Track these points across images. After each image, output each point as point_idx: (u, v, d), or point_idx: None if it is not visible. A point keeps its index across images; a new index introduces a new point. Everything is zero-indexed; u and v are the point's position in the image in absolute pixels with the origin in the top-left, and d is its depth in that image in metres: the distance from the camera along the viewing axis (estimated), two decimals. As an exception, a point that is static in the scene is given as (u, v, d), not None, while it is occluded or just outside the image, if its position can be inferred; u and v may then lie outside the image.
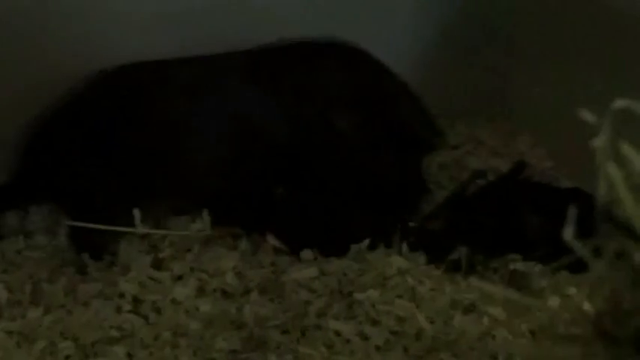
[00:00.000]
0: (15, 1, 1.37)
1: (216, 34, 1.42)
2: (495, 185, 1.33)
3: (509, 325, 1.05)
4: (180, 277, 1.19)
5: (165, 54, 1.36)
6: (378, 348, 1.05)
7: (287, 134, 1.31)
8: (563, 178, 1.40)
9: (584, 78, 1.31)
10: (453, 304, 1.11)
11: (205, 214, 1.28)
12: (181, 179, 1.30)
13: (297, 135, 1.31)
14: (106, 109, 1.31)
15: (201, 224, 1.29)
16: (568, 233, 0.58)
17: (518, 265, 1.17)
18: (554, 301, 1.05)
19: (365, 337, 1.07)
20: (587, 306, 0.64)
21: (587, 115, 0.59)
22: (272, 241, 1.25)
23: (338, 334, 1.07)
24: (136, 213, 1.23)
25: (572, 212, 0.57)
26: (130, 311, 1.13)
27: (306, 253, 1.24)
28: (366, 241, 1.22)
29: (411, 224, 1.25)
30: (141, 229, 1.23)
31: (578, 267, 0.63)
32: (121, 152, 1.28)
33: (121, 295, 1.16)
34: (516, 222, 1.21)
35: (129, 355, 1.07)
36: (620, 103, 0.59)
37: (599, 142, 0.59)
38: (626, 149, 0.59)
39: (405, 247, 1.21)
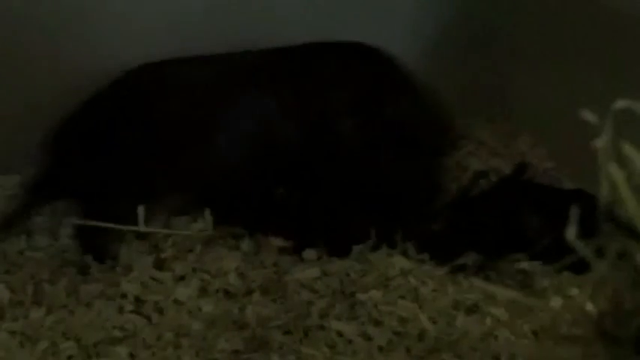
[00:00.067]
0: (14, 2, 1.37)
1: (217, 35, 1.42)
2: (498, 186, 1.33)
3: (511, 325, 1.05)
4: (182, 278, 1.20)
5: (165, 54, 1.36)
6: (380, 348, 1.05)
7: (290, 135, 1.32)
8: (564, 179, 1.40)
9: (585, 78, 1.31)
10: (455, 304, 1.11)
11: (207, 213, 1.29)
12: (194, 175, 1.31)
13: (299, 136, 1.32)
14: (124, 108, 1.32)
15: (203, 224, 1.29)
16: (571, 233, 0.58)
17: (523, 265, 1.17)
18: (556, 302, 1.05)
19: (367, 338, 1.07)
20: (589, 306, 0.64)
21: (589, 116, 0.59)
22: (276, 241, 1.26)
23: (340, 334, 1.07)
24: (140, 211, 1.23)
25: (574, 213, 0.58)
26: (132, 311, 1.14)
27: (309, 253, 1.24)
28: (369, 242, 1.22)
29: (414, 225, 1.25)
30: (144, 228, 1.24)
31: (581, 267, 0.63)
32: (138, 149, 1.29)
33: (123, 296, 1.16)
34: (519, 223, 1.21)
35: (131, 355, 1.07)
36: (621, 104, 0.59)
37: (600, 142, 0.59)
38: (628, 149, 0.59)
39: (409, 248, 1.22)
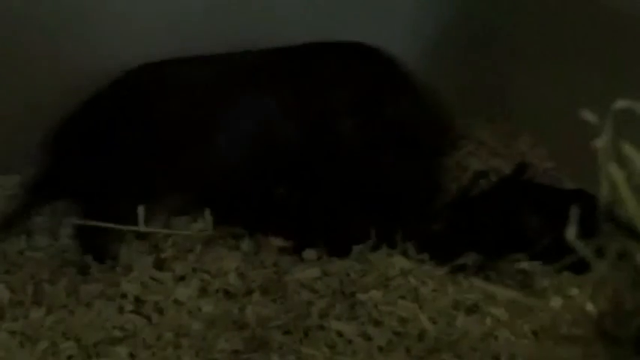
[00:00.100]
0: (14, 2, 1.37)
1: (217, 35, 1.42)
2: (498, 186, 1.33)
3: (511, 325, 1.05)
4: (182, 278, 1.19)
5: (165, 54, 1.36)
6: (380, 348, 1.05)
7: (290, 135, 1.32)
8: (564, 178, 1.40)
9: (585, 78, 1.31)
10: (455, 304, 1.11)
11: (207, 213, 1.29)
12: (194, 175, 1.31)
13: (299, 136, 1.32)
14: (124, 108, 1.32)
15: (203, 224, 1.29)
16: (571, 233, 0.58)
17: (523, 265, 1.17)
18: (556, 302, 1.05)
19: (367, 338, 1.07)
20: (589, 306, 0.64)
21: (589, 116, 0.59)
22: (276, 241, 1.26)
23: (340, 334, 1.07)
24: (140, 211, 1.23)
25: (574, 213, 0.57)
26: (132, 311, 1.14)
27: (309, 253, 1.24)
28: (369, 242, 1.22)
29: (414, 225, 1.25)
30: (144, 228, 1.24)
31: (581, 267, 0.63)
32: (138, 149, 1.29)
33: (123, 296, 1.16)
34: (519, 223, 1.21)
35: (131, 355, 1.07)
36: (621, 104, 0.59)
37: (600, 142, 0.59)
38: (628, 149, 0.59)
39: (409, 248, 1.22)
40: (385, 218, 1.25)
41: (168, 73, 1.35)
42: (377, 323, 1.09)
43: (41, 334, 1.10)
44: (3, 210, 1.35)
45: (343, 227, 1.26)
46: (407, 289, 1.14)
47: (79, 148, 1.32)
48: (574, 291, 1.07)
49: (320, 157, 1.32)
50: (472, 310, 1.10)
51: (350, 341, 1.07)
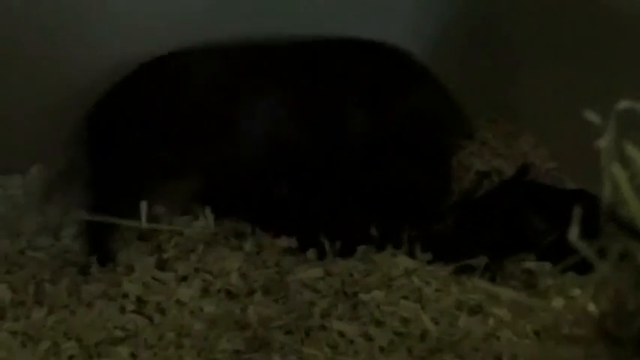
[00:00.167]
0: (14, 2, 1.37)
1: (217, 35, 1.42)
2: (501, 187, 1.34)
3: (514, 325, 1.05)
4: (184, 278, 1.19)
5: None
6: (382, 349, 1.05)
7: (299, 132, 1.33)
8: (566, 179, 1.40)
9: (586, 78, 1.31)
10: (458, 304, 1.11)
11: (208, 212, 1.29)
12: (208, 161, 1.32)
13: (309, 133, 1.33)
14: (149, 96, 1.34)
15: (204, 222, 1.29)
16: (573, 234, 0.58)
17: (528, 265, 1.17)
18: (558, 302, 1.05)
19: (369, 338, 1.07)
20: (591, 307, 0.64)
21: (591, 116, 0.59)
22: (280, 241, 1.26)
23: (342, 334, 1.07)
24: (143, 206, 1.23)
25: (577, 213, 0.58)
26: (133, 312, 1.14)
27: (312, 253, 1.24)
28: (374, 242, 1.22)
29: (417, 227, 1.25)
30: (146, 224, 1.24)
31: (585, 267, 0.63)
32: (160, 132, 1.31)
33: (125, 296, 1.16)
34: (522, 223, 1.21)
35: (133, 355, 1.07)
36: (624, 104, 0.59)
37: (603, 142, 0.59)
38: (631, 150, 0.59)
39: (414, 248, 1.21)
40: (391, 218, 1.25)
41: (188, 63, 1.36)
42: (379, 323, 1.09)
43: (43, 334, 1.10)
44: (3, 211, 1.36)
45: (347, 227, 1.26)
46: (410, 289, 1.14)
47: (104, 134, 1.34)
48: (576, 291, 1.07)
49: (328, 154, 1.33)
50: (475, 310, 1.10)
51: (352, 341, 1.07)
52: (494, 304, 1.09)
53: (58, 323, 1.12)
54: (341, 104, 1.35)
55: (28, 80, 1.41)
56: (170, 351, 1.07)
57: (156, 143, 1.31)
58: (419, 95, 1.39)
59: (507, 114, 1.58)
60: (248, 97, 1.34)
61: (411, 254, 1.21)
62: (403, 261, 1.18)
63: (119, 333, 1.10)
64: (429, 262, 1.19)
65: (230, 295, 1.17)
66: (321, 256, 1.23)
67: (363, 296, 1.12)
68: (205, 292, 1.17)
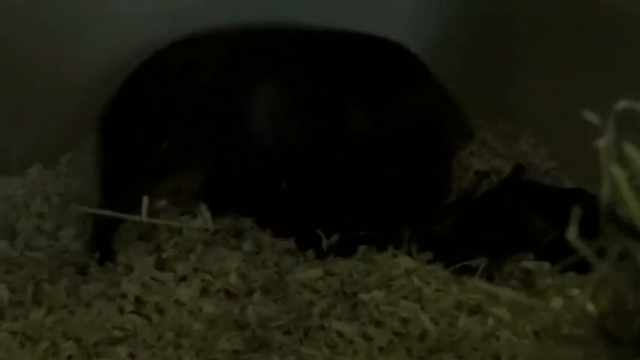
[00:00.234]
0: (14, 2, 1.37)
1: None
2: (499, 187, 1.34)
3: (513, 325, 1.05)
4: (183, 278, 1.19)
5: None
6: (381, 349, 1.05)
7: (300, 129, 1.33)
8: (565, 179, 1.40)
9: (585, 78, 1.31)
10: (458, 305, 1.10)
11: (204, 208, 1.29)
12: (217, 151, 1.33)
13: (309, 130, 1.33)
14: (152, 92, 1.35)
15: (202, 221, 1.29)
16: (572, 234, 0.58)
17: (527, 265, 1.17)
18: (557, 302, 1.05)
19: (368, 338, 1.07)
20: (590, 307, 0.64)
21: (591, 116, 0.59)
22: (281, 243, 1.26)
23: (341, 334, 1.07)
24: (145, 201, 1.23)
25: (575, 213, 0.57)
26: (132, 312, 1.13)
27: (312, 253, 1.24)
28: (375, 242, 1.22)
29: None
30: (147, 219, 1.24)
31: (584, 267, 0.63)
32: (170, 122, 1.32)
33: (124, 296, 1.16)
34: (521, 223, 1.21)
35: (131, 355, 1.07)
36: (623, 104, 0.59)
37: (603, 142, 0.58)
38: (630, 150, 0.59)
39: (414, 248, 1.21)
40: (391, 218, 1.25)
41: (187, 63, 1.37)
42: (378, 323, 1.09)
43: (41, 335, 1.10)
44: (2, 212, 1.36)
45: (347, 226, 1.26)
46: (410, 289, 1.13)
47: (110, 131, 1.36)
48: (575, 291, 1.07)
49: (328, 153, 1.33)
50: (475, 310, 1.10)
51: (350, 341, 1.06)
52: (493, 304, 1.09)
53: (56, 323, 1.12)
54: (341, 103, 1.35)
55: (27, 80, 1.41)
56: (169, 351, 1.07)
57: (158, 139, 1.31)
58: (420, 95, 1.39)
59: (507, 114, 1.58)
60: (250, 93, 1.34)
61: (411, 254, 1.21)
62: (403, 261, 1.18)
63: (118, 333, 1.10)
64: (428, 262, 1.19)
65: (229, 295, 1.17)
66: (321, 255, 1.23)
67: (362, 296, 1.12)
68: (204, 292, 1.17)
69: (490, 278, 1.17)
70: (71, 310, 1.14)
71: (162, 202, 1.32)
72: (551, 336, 0.83)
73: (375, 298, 1.11)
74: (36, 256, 1.28)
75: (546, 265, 1.17)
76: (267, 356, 1.05)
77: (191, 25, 1.42)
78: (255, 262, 1.22)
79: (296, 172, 1.32)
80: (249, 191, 1.32)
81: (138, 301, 1.15)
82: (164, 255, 1.23)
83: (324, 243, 1.24)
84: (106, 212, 1.25)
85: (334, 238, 1.25)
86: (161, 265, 1.22)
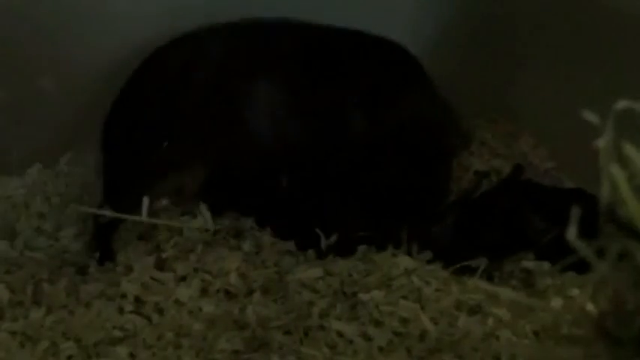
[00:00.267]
0: (14, 2, 1.37)
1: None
2: (499, 187, 1.34)
3: (513, 325, 1.05)
4: (183, 278, 1.19)
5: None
6: (381, 349, 1.05)
7: (299, 127, 1.33)
8: (565, 179, 1.41)
9: (585, 78, 1.32)
10: (458, 304, 1.10)
11: (204, 208, 1.29)
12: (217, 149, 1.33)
13: (309, 129, 1.33)
14: (152, 91, 1.35)
15: (202, 221, 1.29)
16: (571, 234, 0.58)
17: (527, 264, 1.17)
18: (557, 302, 1.05)
19: (368, 338, 1.07)
20: (590, 307, 0.64)
21: (590, 116, 0.59)
22: (282, 244, 1.26)
23: (341, 334, 1.07)
24: (145, 201, 1.23)
25: (575, 213, 0.57)
26: (132, 312, 1.13)
27: (311, 253, 1.24)
28: (375, 242, 1.22)
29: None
30: (147, 219, 1.24)
31: (584, 267, 0.63)
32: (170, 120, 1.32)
33: (123, 296, 1.16)
34: (521, 223, 1.21)
35: (131, 355, 1.07)
36: (622, 104, 0.59)
37: (602, 142, 0.58)
38: (629, 150, 0.59)
39: (413, 248, 1.21)
40: (391, 218, 1.25)
41: (187, 63, 1.37)
42: (378, 323, 1.09)
43: (41, 335, 1.10)
44: (2, 212, 1.36)
45: (347, 226, 1.26)
46: (409, 289, 1.13)
47: (112, 132, 1.36)
48: (575, 291, 1.07)
49: (328, 153, 1.33)
50: (474, 310, 1.10)
51: (350, 341, 1.06)
52: (493, 304, 1.09)
53: (56, 323, 1.12)
54: (341, 103, 1.35)
55: (27, 80, 1.41)
56: (169, 351, 1.07)
57: (158, 139, 1.31)
58: (419, 95, 1.39)
59: (507, 114, 1.58)
60: (249, 92, 1.34)
61: (411, 254, 1.21)
62: (403, 261, 1.18)
63: (118, 333, 1.10)
64: (428, 262, 1.19)
65: (229, 295, 1.17)
66: (321, 255, 1.23)
67: (362, 296, 1.12)
68: (204, 292, 1.17)
69: (490, 278, 1.17)
70: (71, 310, 1.14)
71: (163, 202, 1.32)
72: (551, 336, 0.83)
73: (374, 298, 1.11)
74: (36, 256, 1.28)
75: (546, 265, 1.17)
76: (266, 356, 1.05)
77: (191, 25, 1.42)
78: (255, 262, 1.22)
79: (296, 172, 1.32)
80: (249, 191, 1.32)
81: (138, 301, 1.15)
82: (164, 255, 1.23)
83: (323, 243, 1.24)
84: (106, 212, 1.25)
85: (333, 238, 1.25)
86: (161, 265, 1.21)
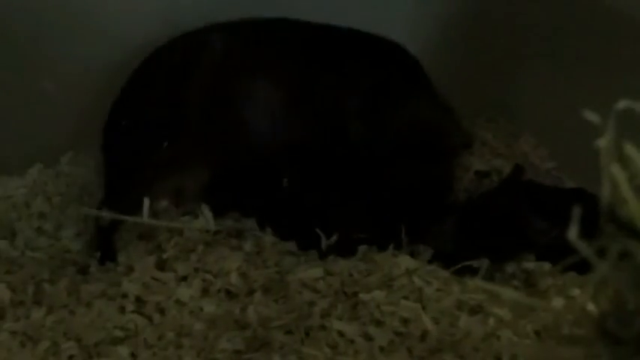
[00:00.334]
0: (14, 2, 1.37)
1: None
2: (500, 188, 1.34)
3: (514, 325, 1.05)
4: (184, 278, 1.19)
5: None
6: (382, 349, 1.05)
7: (301, 128, 1.33)
8: (565, 179, 1.41)
9: (585, 78, 1.32)
10: (459, 304, 1.10)
11: (206, 209, 1.29)
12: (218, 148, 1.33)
13: (310, 129, 1.33)
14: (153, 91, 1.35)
15: (204, 222, 1.29)
16: (572, 234, 0.58)
17: (528, 265, 1.17)
18: (558, 302, 1.05)
19: (369, 338, 1.07)
20: (590, 307, 0.64)
21: (591, 116, 0.59)
22: (283, 244, 1.26)
23: (342, 334, 1.07)
24: (146, 203, 1.23)
25: (576, 212, 0.57)
26: (133, 311, 1.13)
27: (313, 253, 1.24)
28: (375, 242, 1.22)
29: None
30: (148, 220, 1.24)
31: (585, 267, 0.63)
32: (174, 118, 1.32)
33: (124, 296, 1.16)
34: (522, 223, 1.21)
35: (132, 355, 1.07)
36: (623, 104, 0.59)
37: (603, 142, 0.58)
38: (630, 149, 0.59)
39: (415, 248, 1.21)
40: (392, 218, 1.25)
41: (187, 62, 1.37)
42: (379, 323, 1.09)
43: (42, 334, 1.10)
44: (2, 212, 1.36)
45: (348, 226, 1.26)
46: (410, 289, 1.13)
47: (113, 132, 1.36)
48: (576, 291, 1.07)
49: (330, 153, 1.33)
50: (475, 310, 1.10)
51: (352, 341, 1.06)
52: (494, 304, 1.09)
53: (57, 323, 1.12)
54: (342, 103, 1.35)
55: (28, 80, 1.41)
56: (170, 351, 1.07)
57: (159, 139, 1.31)
58: (420, 95, 1.39)
59: (507, 114, 1.58)
60: (249, 92, 1.34)
61: (412, 254, 1.21)
62: (404, 261, 1.18)
63: (119, 333, 1.10)
64: (429, 262, 1.19)
65: (230, 295, 1.17)
66: (322, 255, 1.23)
67: (363, 296, 1.12)
68: (205, 292, 1.17)
69: (491, 278, 1.17)
70: (72, 310, 1.14)
71: (164, 204, 1.32)
72: (552, 336, 0.83)
73: (375, 298, 1.11)
74: (36, 256, 1.28)
75: (547, 266, 1.17)
76: (268, 356, 1.05)
77: (191, 25, 1.42)
78: (255, 262, 1.22)
79: (296, 172, 1.32)
80: (249, 191, 1.32)
81: (139, 300, 1.15)
82: (165, 255, 1.23)
83: (324, 243, 1.25)
84: (107, 214, 1.25)
85: (334, 238, 1.25)
86: (162, 265, 1.22)
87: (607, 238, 0.59)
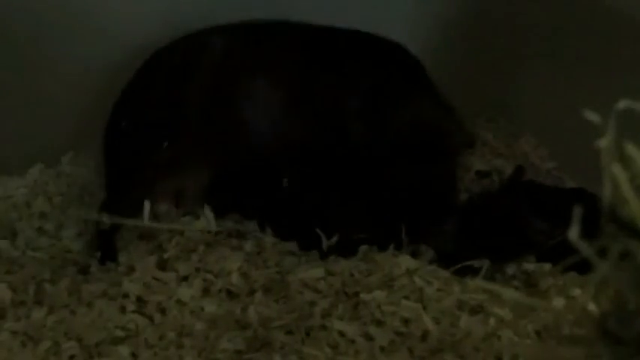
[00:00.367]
0: (14, 2, 1.37)
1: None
2: (501, 189, 1.34)
3: (514, 325, 1.05)
4: (185, 278, 1.19)
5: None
6: (382, 349, 1.05)
7: (302, 129, 1.33)
8: (566, 179, 1.41)
9: (586, 78, 1.32)
10: (460, 304, 1.11)
11: (207, 210, 1.29)
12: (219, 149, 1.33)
13: (310, 130, 1.33)
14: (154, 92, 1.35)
15: (205, 223, 1.29)
16: (573, 234, 0.58)
17: (529, 266, 1.17)
18: (559, 302, 1.05)
19: (370, 338, 1.07)
20: (591, 307, 0.64)
21: (591, 116, 0.59)
22: (284, 245, 1.26)
23: (343, 334, 1.07)
24: (146, 205, 1.23)
25: (577, 212, 0.57)
26: (134, 311, 1.13)
27: (313, 253, 1.24)
28: (376, 242, 1.22)
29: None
30: (149, 223, 1.24)
31: (585, 267, 0.63)
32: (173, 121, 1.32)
33: (125, 296, 1.16)
34: (523, 224, 1.21)
35: (133, 355, 1.07)
36: (623, 104, 0.59)
37: (604, 142, 0.59)
38: (631, 149, 0.59)
39: (415, 249, 1.22)
40: (393, 218, 1.25)
41: (187, 63, 1.37)
42: (379, 323, 1.09)
43: (43, 334, 1.10)
44: (3, 212, 1.36)
45: (349, 227, 1.26)
46: (411, 289, 1.13)
47: (113, 135, 1.36)
48: (576, 291, 1.08)
49: (331, 154, 1.33)
50: (476, 310, 1.10)
51: (352, 341, 1.06)
52: (495, 304, 1.09)
53: (58, 323, 1.12)
54: (342, 104, 1.35)
55: (28, 80, 1.41)
56: (171, 351, 1.07)
57: (159, 139, 1.31)
58: (421, 95, 1.39)
59: (507, 114, 1.58)
60: (250, 93, 1.34)
61: (413, 254, 1.21)
62: (405, 261, 1.18)
63: (120, 333, 1.10)
64: (430, 262, 1.19)
65: (231, 294, 1.17)
66: (322, 255, 1.24)
67: (363, 296, 1.12)
68: (206, 291, 1.17)
69: (491, 278, 1.17)
70: (73, 309, 1.15)
71: (164, 207, 1.32)
72: (553, 336, 0.83)
73: (376, 298, 1.11)
74: (37, 256, 1.28)
75: (547, 266, 1.17)
76: (268, 356, 1.05)
77: (191, 26, 1.42)
78: (256, 262, 1.22)
79: (297, 173, 1.32)
80: (250, 192, 1.32)
81: (140, 300, 1.15)
82: (166, 255, 1.23)
83: (324, 243, 1.25)
84: (107, 219, 1.25)
85: (334, 238, 1.25)
86: (163, 265, 1.22)
87: (608, 238, 0.59)
